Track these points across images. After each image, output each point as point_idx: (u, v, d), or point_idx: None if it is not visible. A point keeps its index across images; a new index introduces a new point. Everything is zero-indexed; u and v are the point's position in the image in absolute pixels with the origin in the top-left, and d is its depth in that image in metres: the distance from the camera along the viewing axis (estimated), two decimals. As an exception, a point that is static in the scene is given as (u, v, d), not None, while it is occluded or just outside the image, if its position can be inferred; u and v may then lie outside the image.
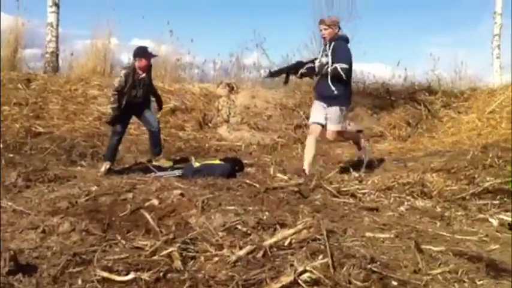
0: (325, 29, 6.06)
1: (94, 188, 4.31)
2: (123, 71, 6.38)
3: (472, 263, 2.70)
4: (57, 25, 12.43)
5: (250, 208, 3.56)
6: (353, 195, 4.55)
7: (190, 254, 2.64)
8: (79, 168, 6.08)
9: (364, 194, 4.66)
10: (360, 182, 5.18)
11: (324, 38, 6.13)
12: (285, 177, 5.32)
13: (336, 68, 5.77)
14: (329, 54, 5.90)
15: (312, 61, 6.21)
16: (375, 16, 23.51)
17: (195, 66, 13.23)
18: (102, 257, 2.62)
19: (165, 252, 2.59)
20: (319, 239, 2.79)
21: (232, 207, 3.54)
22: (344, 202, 4.27)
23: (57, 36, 12.40)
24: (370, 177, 5.31)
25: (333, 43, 5.96)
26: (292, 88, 12.04)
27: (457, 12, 27.25)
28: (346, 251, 2.68)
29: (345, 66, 5.78)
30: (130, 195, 3.99)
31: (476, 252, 2.93)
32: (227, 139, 9.39)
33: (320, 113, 6.10)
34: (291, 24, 24.84)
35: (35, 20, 18.99)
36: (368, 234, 3.12)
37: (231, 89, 11.08)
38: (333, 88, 5.83)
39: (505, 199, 4.38)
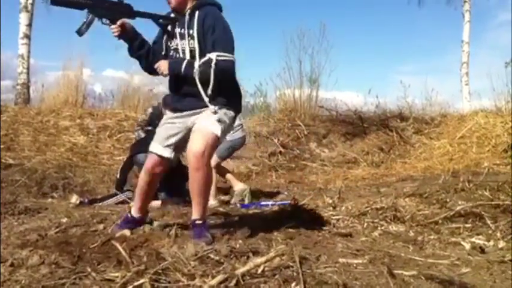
0: None
1: (64, 220, 4.25)
2: (150, 109, 6.60)
3: (443, 287, 2.71)
4: (28, 57, 12.39)
5: (223, 236, 3.55)
6: (327, 222, 4.56)
7: (162, 284, 2.60)
8: (50, 200, 5.98)
9: (338, 220, 4.68)
10: (334, 208, 5.20)
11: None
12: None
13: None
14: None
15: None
16: (345, 46, 23.99)
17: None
18: (71, 290, 2.57)
19: (136, 283, 2.54)
20: (292, 266, 2.77)
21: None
22: (318, 228, 4.27)
23: (28, 68, 12.35)
24: (344, 204, 5.33)
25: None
26: (266, 116, 12.14)
27: (424, 41, 28.02)
28: (318, 278, 2.67)
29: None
30: (101, 226, 3.93)
31: (448, 276, 2.95)
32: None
33: None
34: (264, 54, 25.21)
35: (6, 51, 18.91)
36: (341, 260, 3.12)
37: (205, 118, 11.09)
38: None
39: (477, 222, 4.43)
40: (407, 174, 8.50)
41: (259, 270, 2.72)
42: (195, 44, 3.51)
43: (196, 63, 3.45)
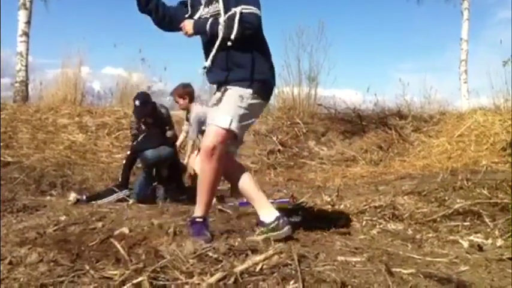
0: None
1: (63, 218, 4.25)
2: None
3: (442, 285, 2.71)
4: (27, 54, 12.39)
5: (222, 234, 3.55)
6: (325, 220, 4.56)
7: (160, 282, 2.60)
8: (48, 197, 5.98)
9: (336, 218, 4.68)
10: (333, 206, 5.20)
11: None
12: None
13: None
14: None
15: None
16: (344, 44, 24.00)
17: (167, 93, 13.25)
18: None
19: (134, 281, 2.54)
20: (291, 264, 2.77)
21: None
22: (316, 226, 4.27)
23: (26, 66, 12.34)
24: (343, 202, 5.33)
25: None
26: (264, 114, 12.13)
27: (423, 39, 28.05)
28: (317, 276, 2.67)
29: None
30: (100, 224, 3.94)
31: (446, 274, 2.95)
32: (200, 166, 9.36)
33: None
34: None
35: (5, 49, 18.90)
36: (340, 258, 3.11)
37: (204, 115, 11.09)
38: None
39: (475, 221, 4.44)
40: (405, 172, 8.50)
41: (258, 268, 2.72)
42: (220, 6, 3.36)
43: (222, 19, 3.31)
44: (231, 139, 3.46)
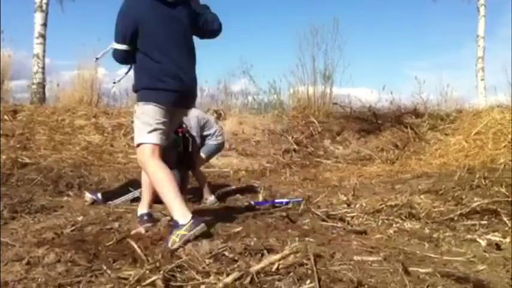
0: None
1: (80, 218, 4.28)
2: None
3: (459, 284, 2.69)
4: (44, 56, 12.48)
5: (238, 234, 3.55)
6: (341, 219, 4.54)
7: (177, 282, 2.61)
8: (66, 198, 6.02)
9: (352, 217, 4.66)
10: (348, 205, 5.18)
11: None
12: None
13: None
14: None
15: None
16: (359, 42, 23.85)
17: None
18: None
19: (148, 280, 2.55)
20: (307, 264, 2.77)
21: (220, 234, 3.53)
22: (332, 226, 4.25)
23: (43, 67, 12.45)
24: (359, 201, 5.31)
25: None
26: (279, 113, 12.13)
27: (438, 36, 27.75)
28: (333, 275, 2.67)
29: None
30: (116, 224, 3.97)
31: (463, 273, 2.92)
32: (215, 165, 9.38)
33: None
34: (277, 51, 25.10)
35: (22, 51, 19.09)
36: (356, 257, 3.10)
37: (219, 115, 11.11)
38: None
39: (493, 219, 4.39)
40: (422, 171, 8.44)
41: (274, 268, 2.72)
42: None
43: None
44: (151, 147, 3.64)
